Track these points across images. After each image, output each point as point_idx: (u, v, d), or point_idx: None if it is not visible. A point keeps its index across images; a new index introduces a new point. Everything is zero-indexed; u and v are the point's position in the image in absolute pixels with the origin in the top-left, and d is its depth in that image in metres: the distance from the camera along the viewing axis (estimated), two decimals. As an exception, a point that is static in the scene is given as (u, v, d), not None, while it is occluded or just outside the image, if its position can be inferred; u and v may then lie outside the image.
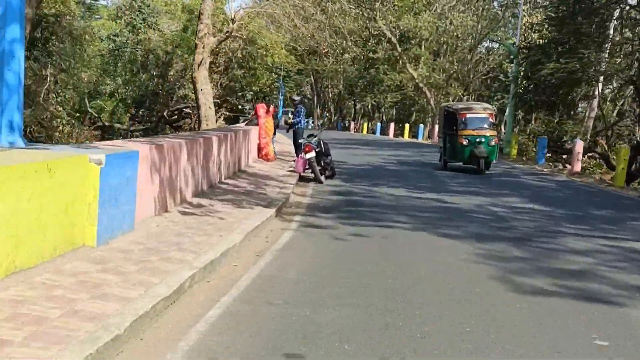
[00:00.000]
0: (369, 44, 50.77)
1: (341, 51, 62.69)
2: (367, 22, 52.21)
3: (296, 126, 18.36)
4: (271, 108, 18.57)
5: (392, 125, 46.85)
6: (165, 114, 30.32)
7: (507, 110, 28.70)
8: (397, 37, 47.38)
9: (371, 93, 52.20)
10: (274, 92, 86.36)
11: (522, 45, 30.68)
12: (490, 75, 53.75)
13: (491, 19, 47.09)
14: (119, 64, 31.69)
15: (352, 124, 53.34)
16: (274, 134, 18.90)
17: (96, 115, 30.18)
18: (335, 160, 17.53)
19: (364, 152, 25.82)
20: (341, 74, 62.46)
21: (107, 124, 30.14)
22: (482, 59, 56.09)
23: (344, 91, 61.87)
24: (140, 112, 31.78)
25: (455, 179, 17.35)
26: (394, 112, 63.43)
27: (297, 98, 19.41)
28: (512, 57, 32.66)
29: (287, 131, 23.31)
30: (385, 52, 49.01)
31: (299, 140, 16.06)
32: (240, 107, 39.26)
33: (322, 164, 14.97)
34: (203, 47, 22.66)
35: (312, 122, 64.40)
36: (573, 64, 23.75)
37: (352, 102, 62.13)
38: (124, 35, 32.06)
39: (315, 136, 15.69)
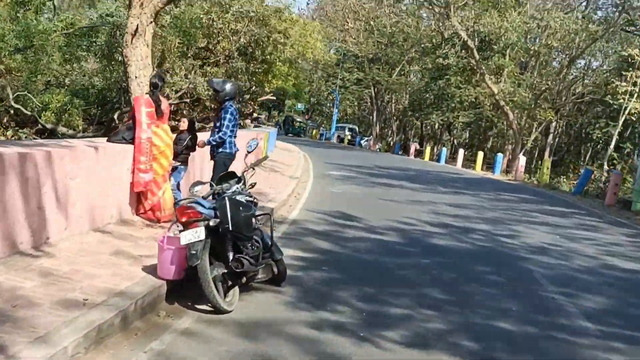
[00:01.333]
0: (440, 50, 40.88)
1: (409, 59, 53.25)
2: (439, 22, 42.45)
3: (217, 148, 8.65)
4: (165, 104, 8.17)
5: (461, 151, 36.66)
6: (116, 116, 21.46)
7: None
8: (476, 41, 37.33)
9: (439, 110, 42.15)
10: (326, 102, 77.64)
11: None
12: (586, 98, 42.87)
13: (600, 24, 36.41)
14: (92, 48, 23.32)
15: (413, 147, 43.39)
16: (183, 162, 8.90)
17: (29, 113, 21.63)
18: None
19: (406, 194, 16.16)
20: (406, 87, 52.76)
21: (49, 126, 21.55)
22: (579, 77, 45.30)
23: (409, 107, 52.02)
24: (98, 112, 23.16)
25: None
26: (466, 136, 52.98)
27: (221, 84, 9.05)
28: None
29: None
30: (460, 60, 38.99)
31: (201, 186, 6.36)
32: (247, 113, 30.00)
33: (237, 264, 5.59)
34: (141, 6, 13.64)
35: (366, 141, 54.83)
36: None
37: (418, 121, 52.21)
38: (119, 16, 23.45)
39: (240, 181, 6.20)
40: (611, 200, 18.76)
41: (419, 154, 44.78)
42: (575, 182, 28.55)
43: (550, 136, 47.12)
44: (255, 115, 27.89)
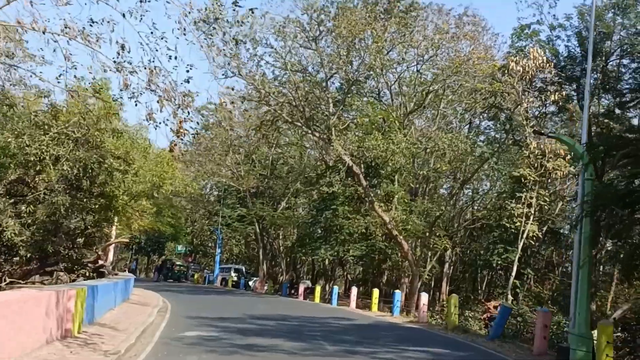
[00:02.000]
0: (324, 179, 37.54)
1: (294, 191, 49.73)
2: (322, 149, 39.55)
3: None
4: None
5: (354, 290, 32.20)
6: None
7: (576, 275, 13.87)
8: (362, 167, 34.29)
9: (327, 244, 38.04)
10: (210, 243, 72.20)
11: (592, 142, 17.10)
12: (477, 224, 40.58)
13: (489, 143, 34.66)
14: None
15: (301, 287, 38.55)
16: None
17: None
18: None
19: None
20: (293, 221, 48.78)
21: None
22: (470, 202, 43.26)
23: (296, 242, 47.77)
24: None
25: None
26: (359, 270, 48.97)
27: None
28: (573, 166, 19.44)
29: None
30: (346, 189, 35.63)
31: None
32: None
33: None
34: None
35: (254, 282, 49.53)
36: None
37: (307, 257, 47.83)
38: None
39: None
40: (542, 347, 14.59)
41: (311, 292, 39.94)
42: (484, 320, 24.65)
43: (446, 265, 44.02)
44: (100, 262, 22.25)
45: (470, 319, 24.28)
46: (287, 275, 53.43)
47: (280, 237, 54.31)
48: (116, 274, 25.24)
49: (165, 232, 62.67)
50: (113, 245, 33.17)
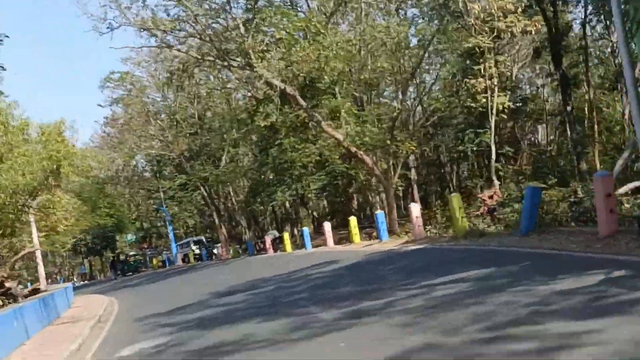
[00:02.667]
0: (259, 115, 32.52)
1: (231, 142, 44.56)
2: (246, 84, 34.53)
3: None
4: None
5: (327, 226, 27.86)
6: None
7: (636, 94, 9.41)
8: (296, 86, 29.41)
9: (283, 185, 33.47)
10: (159, 222, 66.52)
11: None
12: (434, 117, 36.76)
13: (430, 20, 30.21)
14: None
15: (268, 240, 34.16)
16: None
17: None
18: None
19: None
20: (240, 173, 43.92)
21: None
22: (420, 97, 39.04)
23: (249, 194, 43.05)
24: None
25: None
26: (324, 204, 44.81)
27: None
28: None
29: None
30: (286, 116, 30.84)
31: None
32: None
33: None
34: None
35: (216, 250, 44.94)
36: None
37: (265, 207, 43.28)
38: None
39: None
40: (611, 223, 10.51)
41: (280, 242, 35.61)
42: (482, 215, 20.69)
43: (412, 171, 40.14)
44: (7, 285, 17.20)
45: (465, 219, 20.26)
46: (250, 233, 48.99)
47: (231, 194, 49.52)
48: (42, 291, 20.26)
49: (107, 225, 57.15)
50: (28, 257, 27.94)
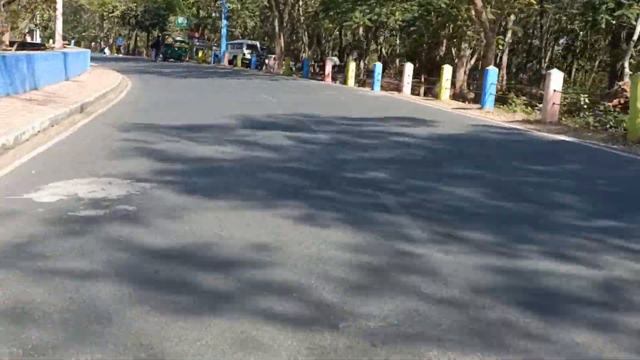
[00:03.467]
0: None
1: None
2: None
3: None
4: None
5: (407, 68, 21.98)
6: None
7: None
8: None
9: (363, 5, 27.17)
10: (218, 14, 59.92)
11: None
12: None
13: None
14: None
15: (328, 65, 28.64)
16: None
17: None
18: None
19: None
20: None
21: None
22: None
23: (320, 8, 36.66)
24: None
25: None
26: (403, 43, 38.46)
27: None
28: None
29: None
30: None
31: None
32: None
33: None
34: None
35: (268, 61, 39.60)
36: None
37: (335, 26, 37.13)
38: None
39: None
40: None
41: (339, 72, 30.14)
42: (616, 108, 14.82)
43: (509, 34, 32.95)
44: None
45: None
46: (309, 52, 43.24)
47: (300, 3, 43.07)
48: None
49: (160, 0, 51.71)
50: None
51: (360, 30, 35.98)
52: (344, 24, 30.79)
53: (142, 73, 27.39)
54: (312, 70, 33.02)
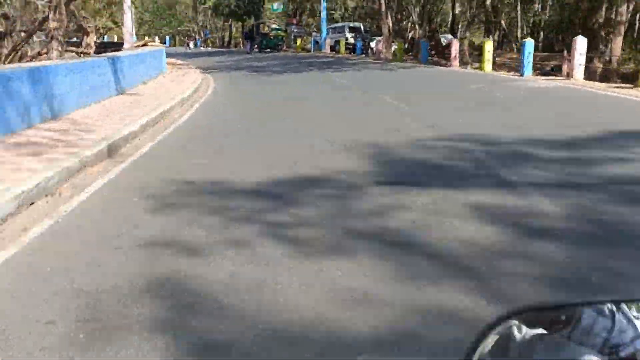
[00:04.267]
0: None
1: None
2: None
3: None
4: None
5: (580, 41, 16.18)
6: None
7: None
8: None
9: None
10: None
11: None
12: None
13: None
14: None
15: (455, 45, 23.21)
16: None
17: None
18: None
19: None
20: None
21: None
22: None
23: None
24: None
25: None
26: (537, 12, 32.12)
27: None
28: None
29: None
30: None
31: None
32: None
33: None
34: None
35: (373, 44, 34.45)
36: None
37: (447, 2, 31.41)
38: None
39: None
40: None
41: (465, 57, 24.52)
42: None
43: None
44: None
45: None
46: (420, 32, 37.68)
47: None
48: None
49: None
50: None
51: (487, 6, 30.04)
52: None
53: (232, 70, 23.29)
54: (431, 54, 27.66)
